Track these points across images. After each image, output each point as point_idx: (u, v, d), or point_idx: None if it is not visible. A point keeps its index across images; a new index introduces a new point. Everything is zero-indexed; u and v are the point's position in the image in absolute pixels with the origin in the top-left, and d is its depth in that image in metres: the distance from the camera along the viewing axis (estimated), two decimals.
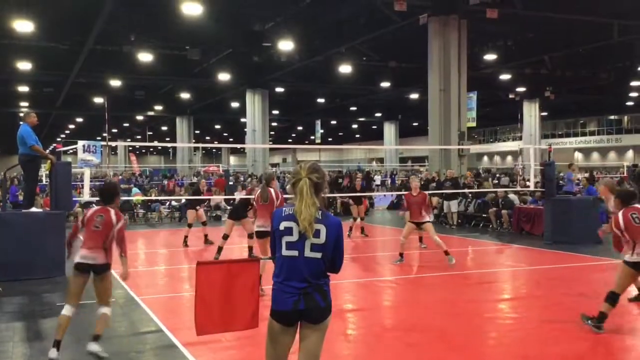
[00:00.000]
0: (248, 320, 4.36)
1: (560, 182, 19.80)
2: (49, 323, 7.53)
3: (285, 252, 3.77)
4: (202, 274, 4.52)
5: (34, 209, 11.20)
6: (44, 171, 15.49)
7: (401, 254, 12.00)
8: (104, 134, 55.98)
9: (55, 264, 10.57)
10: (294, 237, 3.75)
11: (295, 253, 3.74)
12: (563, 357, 6.11)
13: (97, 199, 7.12)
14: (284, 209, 3.89)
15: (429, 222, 11.95)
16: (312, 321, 3.75)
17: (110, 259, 6.15)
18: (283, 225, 3.79)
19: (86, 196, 12.26)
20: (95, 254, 6.03)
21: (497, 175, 31.39)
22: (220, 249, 12.28)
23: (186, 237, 14.97)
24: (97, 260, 6.02)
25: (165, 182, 32.19)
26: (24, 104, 41.71)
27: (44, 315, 7.91)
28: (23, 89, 35.66)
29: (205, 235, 15.31)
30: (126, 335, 7.11)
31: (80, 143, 10.67)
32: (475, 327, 7.34)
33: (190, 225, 15.27)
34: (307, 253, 3.73)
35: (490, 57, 27.55)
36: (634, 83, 35.58)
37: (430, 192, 20.51)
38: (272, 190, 9.07)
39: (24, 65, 28.12)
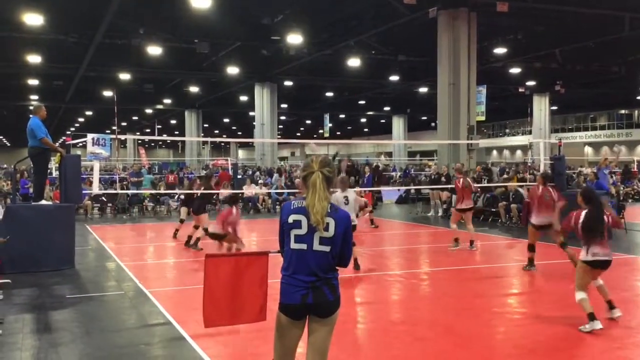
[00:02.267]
0: (256, 313, 4.37)
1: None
2: (59, 315, 7.59)
3: (293, 245, 3.77)
4: (211, 267, 4.53)
5: (43, 202, 11.26)
6: (53, 164, 15.58)
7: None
8: (113, 127, 56.23)
9: (64, 256, 10.67)
10: (303, 230, 3.75)
11: (304, 246, 3.74)
12: (571, 352, 6.09)
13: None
14: (293, 202, 3.88)
15: None
16: (320, 315, 3.75)
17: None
18: (292, 218, 3.79)
19: (95, 189, 12.32)
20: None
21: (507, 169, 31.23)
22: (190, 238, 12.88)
23: (177, 230, 14.96)
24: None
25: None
26: (33, 97, 41.89)
27: (54, 308, 7.95)
28: (33, 82, 35.80)
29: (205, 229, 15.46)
30: (135, 327, 7.14)
31: (90, 136, 10.72)
32: (483, 321, 7.32)
33: (182, 221, 15.09)
34: (316, 246, 3.73)
35: (500, 50, 27.39)
36: None
37: (440, 186, 20.54)
38: None
39: (34, 59, 28.24)
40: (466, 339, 6.58)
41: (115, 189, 22.12)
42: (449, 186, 19.31)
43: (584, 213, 6.89)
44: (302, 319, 3.78)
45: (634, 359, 5.94)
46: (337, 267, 3.86)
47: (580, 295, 6.85)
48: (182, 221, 15.19)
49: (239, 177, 26.14)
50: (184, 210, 15.07)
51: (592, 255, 6.80)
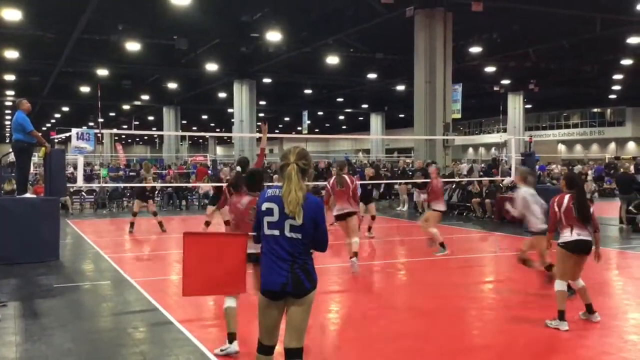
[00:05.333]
0: (235, 286, 4.63)
1: None
2: (48, 303, 7.85)
3: (267, 231, 4.03)
4: (189, 243, 4.83)
5: (28, 195, 11.43)
6: (38, 157, 15.69)
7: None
8: (90, 124, 55.81)
9: (49, 248, 10.89)
10: (275, 218, 3.99)
11: (276, 232, 3.99)
12: (537, 331, 6.50)
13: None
14: (268, 190, 4.13)
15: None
16: (296, 296, 4.00)
17: None
18: (265, 206, 4.04)
19: (80, 183, 12.50)
20: None
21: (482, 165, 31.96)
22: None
23: (132, 223, 15.28)
24: None
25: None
26: (9, 92, 41.52)
27: (43, 296, 8.21)
28: (9, 77, 35.50)
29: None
30: (122, 313, 7.41)
31: (74, 131, 10.90)
32: (456, 306, 7.72)
33: (135, 214, 15.50)
34: (287, 233, 3.97)
35: (475, 49, 27.89)
36: (616, 76, 36.13)
37: (404, 181, 21.38)
38: (346, 176, 9.90)
39: (11, 54, 28.06)
40: (439, 321, 6.97)
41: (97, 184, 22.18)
42: (412, 181, 20.08)
43: (567, 197, 6.68)
44: (280, 300, 4.04)
45: (593, 344, 6.37)
46: (312, 251, 4.08)
47: (559, 285, 6.61)
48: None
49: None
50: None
51: (576, 235, 6.54)
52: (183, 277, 4.73)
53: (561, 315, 6.52)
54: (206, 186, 22.81)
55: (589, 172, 29.29)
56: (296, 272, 3.95)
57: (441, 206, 11.75)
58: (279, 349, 4.16)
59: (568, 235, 6.59)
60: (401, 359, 5.72)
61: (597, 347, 6.03)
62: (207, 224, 13.40)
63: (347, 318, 7.35)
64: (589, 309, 6.78)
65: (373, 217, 14.67)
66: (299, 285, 3.95)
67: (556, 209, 6.69)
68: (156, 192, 19.22)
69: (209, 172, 24.39)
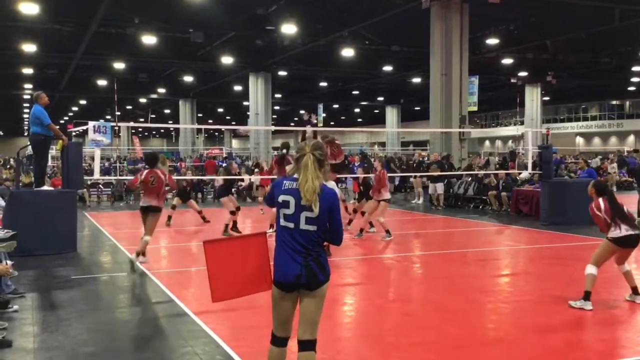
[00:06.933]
0: (261, 284, 4.66)
1: None
2: (66, 294, 7.93)
3: (282, 222, 4.05)
4: (210, 251, 4.85)
5: (45, 187, 11.55)
6: (56, 150, 15.83)
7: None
8: (107, 117, 56.23)
9: (67, 240, 11.00)
10: (291, 210, 4.00)
11: (291, 225, 4.01)
12: (553, 325, 6.46)
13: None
14: (284, 182, 4.12)
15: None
16: (309, 288, 4.02)
17: (162, 204, 9.33)
18: (282, 198, 4.05)
19: (96, 175, 12.61)
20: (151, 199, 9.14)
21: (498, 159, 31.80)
22: (227, 226, 12.98)
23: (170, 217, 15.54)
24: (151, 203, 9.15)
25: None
26: (27, 86, 41.88)
27: (61, 287, 8.30)
28: (27, 71, 35.80)
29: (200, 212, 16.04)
30: (139, 304, 7.49)
31: (91, 124, 10.98)
32: (471, 299, 7.69)
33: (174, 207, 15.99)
34: (303, 226, 3.98)
35: (492, 41, 27.63)
36: (635, 68, 35.64)
37: (419, 174, 21.33)
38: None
39: (29, 47, 28.28)
40: (454, 314, 6.95)
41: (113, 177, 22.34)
42: (427, 174, 19.99)
43: (601, 200, 7.15)
44: (293, 292, 4.06)
45: (610, 338, 6.32)
46: (325, 244, 4.11)
47: (591, 269, 7.03)
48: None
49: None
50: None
51: (625, 230, 6.94)
52: (210, 285, 4.76)
53: (586, 296, 6.96)
54: (220, 179, 22.89)
55: (609, 166, 28.95)
56: (310, 265, 3.97)
57: (387, 195, 12.62)
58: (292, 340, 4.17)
59: (618, 232, 7.01)
60: (415, 352, 5.71)
61: (614, 341, 5.99)
62: (233, 213, 13.40)
63: (360, 311, 7.36)
64: (635, 291, 7.27)
65: (362, 213, 13.84)
66: (313, 278, 3.97)
67: (598, 212, 7.15)
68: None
69: (223, 164, 24.48)
